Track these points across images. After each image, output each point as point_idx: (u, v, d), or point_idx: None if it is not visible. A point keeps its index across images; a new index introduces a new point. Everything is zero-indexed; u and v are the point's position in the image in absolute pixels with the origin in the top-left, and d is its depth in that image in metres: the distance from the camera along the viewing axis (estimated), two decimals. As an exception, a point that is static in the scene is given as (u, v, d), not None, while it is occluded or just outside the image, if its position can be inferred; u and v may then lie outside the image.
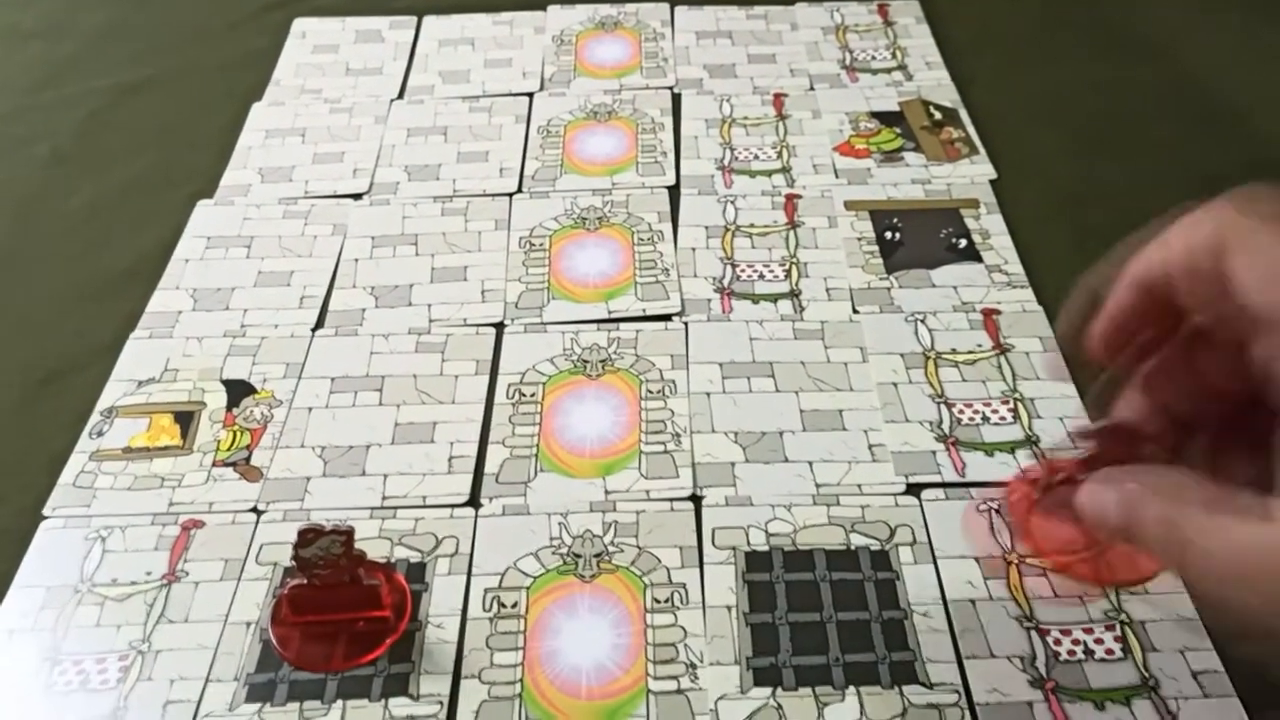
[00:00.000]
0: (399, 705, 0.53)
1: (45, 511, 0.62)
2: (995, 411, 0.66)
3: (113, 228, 0.82)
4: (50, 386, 0.70)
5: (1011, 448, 0.63)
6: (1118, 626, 0.55)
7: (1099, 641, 0.54)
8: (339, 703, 0.53)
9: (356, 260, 0.78)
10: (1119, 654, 0.54)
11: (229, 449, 0.65)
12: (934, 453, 0.63)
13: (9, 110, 0.95)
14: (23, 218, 0.84)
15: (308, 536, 0.53)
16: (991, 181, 0.83)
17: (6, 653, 0.55)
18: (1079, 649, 0.54)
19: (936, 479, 0.62)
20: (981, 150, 0.86)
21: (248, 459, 0.64)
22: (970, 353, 0.70)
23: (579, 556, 0.59)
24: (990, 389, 0.67)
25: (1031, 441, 0.64)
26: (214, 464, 0.64)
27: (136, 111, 0.95)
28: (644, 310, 0.73)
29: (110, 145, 0.91)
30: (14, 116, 0.94)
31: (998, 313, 0.72)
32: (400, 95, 0.95)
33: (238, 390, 0.69)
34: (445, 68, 0.98)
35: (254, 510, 0.62)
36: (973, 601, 0.56)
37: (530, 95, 0.94)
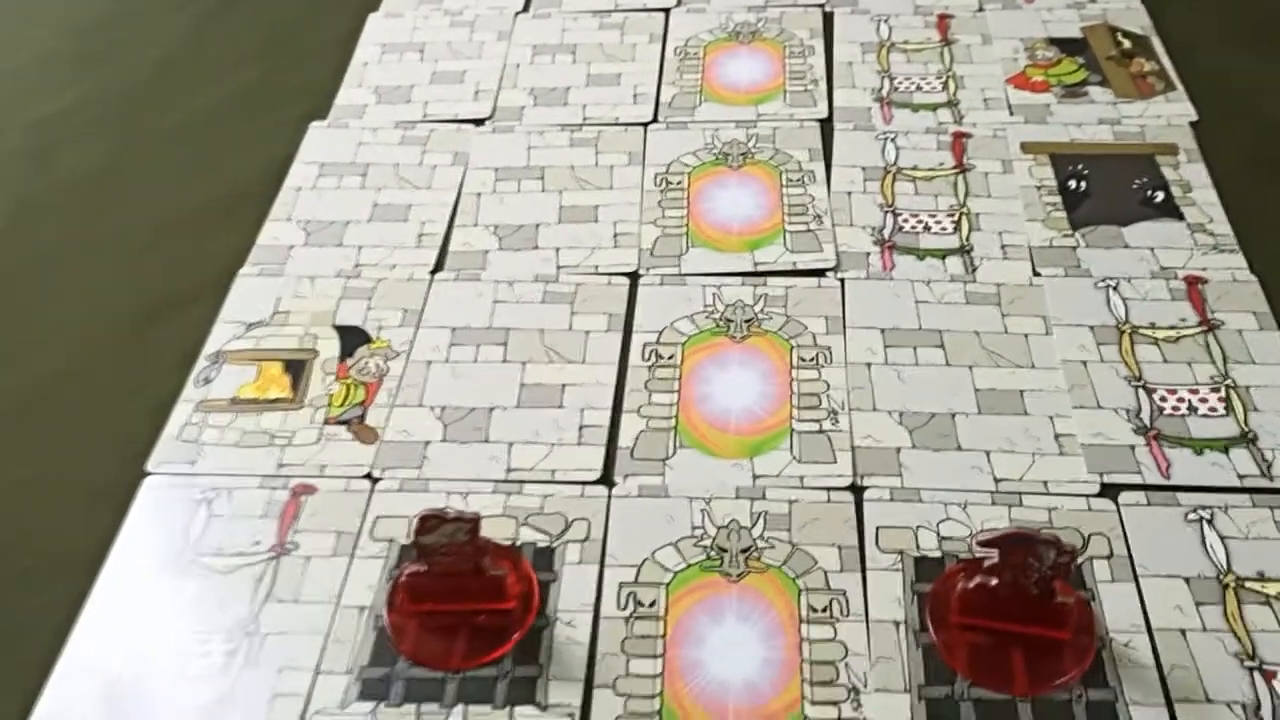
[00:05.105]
0: (525, 715, 0.47)
1: (149, 468, 0.58)
2: (1204, 400, 0.57)
3: (222, 147, 0.77)
4: (154, 324, 0.66)
5: (1225, 446, 0.55)
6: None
7: (1334, 690, 0.46)
8: (459, 707, 0.48)
9: (479, 195, 0.71)
10: (1359, 707, 0.46)
11: (342, 404, 0.60)
12: (1133, 448, 0.55)
13: (114, 13, 0.90)
14: (129, 132, 0.79)
15: (429, 523, 0.48)
16: (1192, 124, 0.73)
17: (104, 627, 0.51)
18: (1311, 698, 0.46)
19: (1137, 480, 0.54)
20: (1179, 86, 0.76)
21: (362, 417, 0.59)
22: (1172, 328, 0.61)
23: (724, 551, 0.53)
24: (1197, 373, 0.59)
25: (1249, 440, 0.55)
26: (326, 421, 0.59)
27: (247, 16, 0.90)
28: (794, 264, 0.66)
29: (219, 54, 0.86)
30: (119, 20, 0.89)
31: (1203, 281, 0.63)
32: (525, 8, 0.87)
33: (352, 338, 0.63)
34: (575, -23, 0.90)
35: (368, 477, 0.57)
36: (1183, 632, 0.49)
37: (666, 11, 0.86)
